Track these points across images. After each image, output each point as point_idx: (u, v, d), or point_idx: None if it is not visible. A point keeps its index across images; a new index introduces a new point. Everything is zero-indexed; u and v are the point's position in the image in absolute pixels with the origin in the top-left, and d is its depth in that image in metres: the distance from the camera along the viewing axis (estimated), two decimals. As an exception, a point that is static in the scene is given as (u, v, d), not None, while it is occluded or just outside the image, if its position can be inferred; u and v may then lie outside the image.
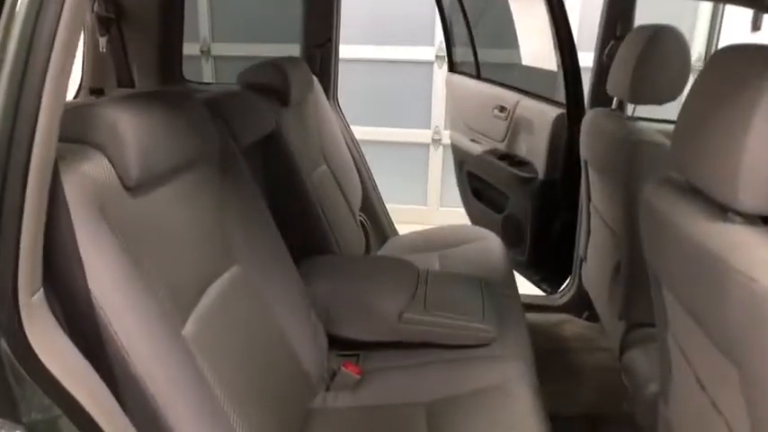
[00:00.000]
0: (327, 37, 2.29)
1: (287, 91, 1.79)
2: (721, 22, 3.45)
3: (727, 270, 0.72)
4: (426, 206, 4.26)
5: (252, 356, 1.13)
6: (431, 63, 3.99)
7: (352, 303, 1.49)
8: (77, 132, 0.88)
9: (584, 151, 1.77)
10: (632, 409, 1.42)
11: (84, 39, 1.89)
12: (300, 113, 1.93)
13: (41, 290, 0.74)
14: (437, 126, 4.11)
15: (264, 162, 1.74)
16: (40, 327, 0.72)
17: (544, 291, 2.38)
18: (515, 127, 2.28)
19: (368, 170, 2.42)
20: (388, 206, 2.47)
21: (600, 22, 2.04)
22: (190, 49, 3.61)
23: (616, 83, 1.54)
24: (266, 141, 1.70)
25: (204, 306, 1.04)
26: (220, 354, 1.03)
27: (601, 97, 1.92)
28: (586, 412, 1.80)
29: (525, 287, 2.22)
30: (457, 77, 2.69)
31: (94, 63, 1.92)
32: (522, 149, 2.27)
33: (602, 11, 2.03)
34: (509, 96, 2.33)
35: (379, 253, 2.23)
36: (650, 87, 1.45)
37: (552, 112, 2.08)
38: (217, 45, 4.17)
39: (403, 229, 2.50)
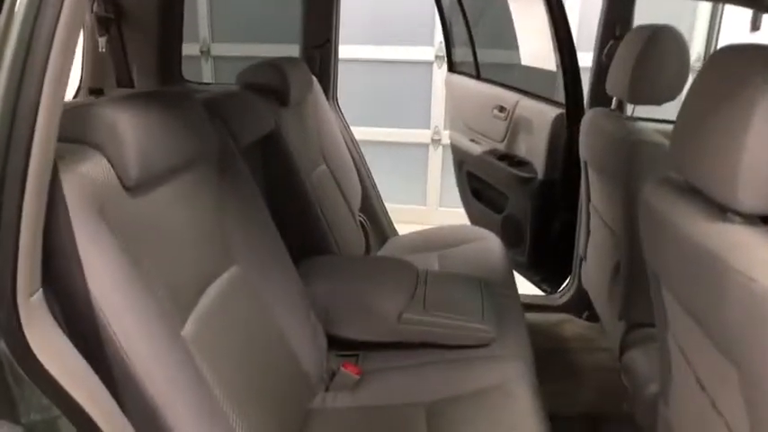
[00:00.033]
0: (327, 37, 2.29)
1: (286, 91, 1.79)
2: (720, 22, 3.45)
3: (727, 270, 0.72)
4: (426, 206, 4.26)
5: (251, 357, 1.13)
6: (430, 63, 4.00)
7: (351, 303, 1.49)
8: (76, 132, 0.88)
9: (584, 151, 1.77)
10: (632, 409, 1.42)
11: (84, 39, 1.89)
12: (300, 113, 1.93)
13: (40, 290, 0.74)
14: (437, 126, 4.11)
15: (264, 162, 1.74)
16: (38, 327, 0.72)
17: (544, 291, 2.38)
18: (515, 127, 2.28)
19: (367, 170, 2.42)
20: (387, 206, 2.47)
21: (599, 22, 2.04)
22: (189, 49, 3.61)
23: (615, 83, 1.55)
24: (265, 141, 1.70)
25: (203, 306, 1.04)
26: (219, 354, 1.03)
27: (600, 97, 1.92)
28: (586, 412, 1.80)
29: (525, 287, 2.22)
30: (456, 77, 2.69)
31: (94, 63, 1.92)
32: (522, 149, 2.27)
33: (602, 11, 2.03)
34: (508, 96, 2.33)
35: (379, 253, 2.23)
36: (649, 87, 1.45)
37: (551, 112, 2.08)
38: (216, 45, 4.17)
39: (402, 229, 2.50)
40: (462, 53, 2.68)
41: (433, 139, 4.14)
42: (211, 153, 1.19)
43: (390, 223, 2.46)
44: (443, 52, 2.91)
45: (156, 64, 1.95)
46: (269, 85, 1.78)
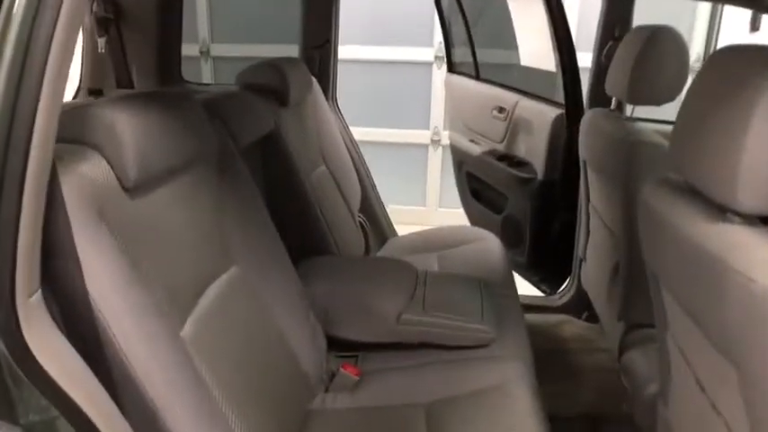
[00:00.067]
0: (326, 38, 2.29)
1: (285, 91, 1.79)
2: (720, 22, 3.45)
3: (726, 270, 0.72)
4: (425, 207, 4.26)
5: (250, 357, 1.13)
6: (430, 64, 4.00)
7: (350, 304, 1.49)
8: (75, 133, 0.88)
9: (583, 152, 1.77)
10: (631, 409, 1.42)
11: (83, 39, 1.89)
12: (299, 114, 1.93)
13: (39, 291, 0.74)
14: (436, 127, 4.11)
15: (263, 163, 1.74)
16: (37, 328, 0.72)
17: (543, 291, 2.38)
18: (514, 127, 2.28)
19: (367, 171, 2.42)
20: (387, 207, 2.47)
21: (598, 23, 2.05)
22: (189, 49, 3.61)
23: (614, 83, 1.55)
24: (265, 142, 1.70)
25: (203, 307, 1.04)
26: (219, 355, 1.02)
27: (599, 98, 1.92)
28: (586, 413, 1.80)
29: (524, 288, 2.22)
30: (456, 78, 2.69)
31: (93, 64, 1.92)
32: (521, 150, 2.27)
33: (601, 11, 2.03)
34: (508, 97, 2.33)
35: (379, 254, 2.23)
36: (648, 88, 1.45)
37: (551, 112, 2.08)
38: (216, 46, 4.17)
39: (402, 229, 2.50)
40: (462, 53, 2.68)
41: (432, 140, 4.14)
42: (211, 154, 1.19)
43: (390, 224, 2.46)
44: (443, 53, 2.91)
45: (155, 65, 1.95)
46: (268, 86, 1.78)
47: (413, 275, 1.61)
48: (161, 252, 0.98)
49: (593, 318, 2.04)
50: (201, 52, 4.17)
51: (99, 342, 0.79)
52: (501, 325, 1.48)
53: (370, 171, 2.44)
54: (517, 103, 2.27)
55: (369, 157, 2.45)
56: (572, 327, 2.23)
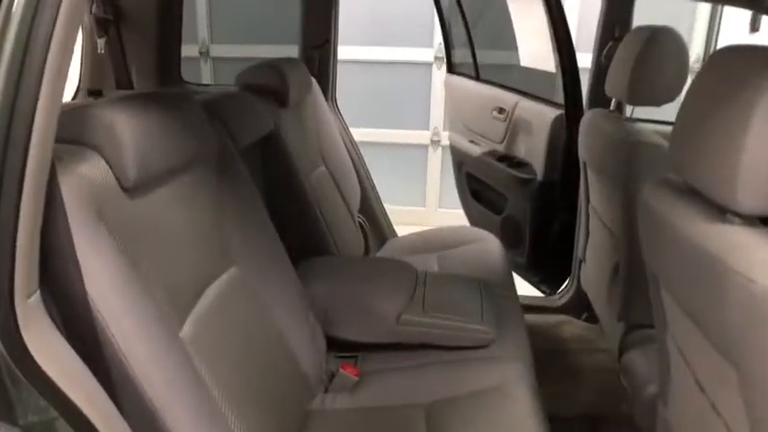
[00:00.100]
0: (326, 38, 2.29)
1: (285, 92, 1.79)
2: (720, 23, 3.45)
3: (726, 271, 0.72)
4: (425, 207, 4.26)
5: (250, 358, 1.13)
6: (429, 64, 4.00)
7: (350, 305, 1.49)
8: (74, 133, 0.88)
9: (583, 152, 1.77)
10: (631, 410, 1.42)
11: (83, 40, 1.89)
12: (299, 114, 1.93)
13: (38, 292, 0.73)
14: (436, 127, 4.11)
15: (263, 163, 1.74)
16: (36, 329, 0.72)
17: (543, 292, 2.38)
18: (514, 128, 2.28)
19: (366, 171, 2.42)
20: (386, 207, 2.47)
21: (598, 23, 2.05)
22: (188, 50, 3.61)
23: (614, 84, 1.55)
24: (264, 142, 1.70)
25: (202, 308, 1.04)
26: (218, 355, 1.02)
27: (599, 98, 1.92)
28: (585, 413, 1.80)
29: (524, 288, 2.22)
30: (456, 79, 2.69)
31: (93, 64, 1.92)
32: (521, 150, 2.27)
33: (601, 12, 2.03)
34: (508, 97, 2.33)
35: (378, 254, 2.23)
36: (648, 88, 1.45)
37: (551, 113, 2.08)
38: (215, 46, 4.17)
39: (402, 230, 2.49)
40: (461, 54, 2.68)
41: (432, 141, 4.14)
42: (210, 154, 1.19)
43: (389, 224, 2.46)
44: (443, 53, 2.91)
45: (154, 65, 1.95)
46: (268, 86, 1.78)
47: (412, 276, 1.61)
48: (160, 252, 0.98)
49: (592, 318, 2.04)
50: (201, 53, 4.17)
51: (98, 342, 0.79)
52: (501, 325, 1.48)
53: (370, 171, 2.44)
54: (517, 103, 2.27)
55: (368, 158, 2.45)
56: (572, 327, 2.23)
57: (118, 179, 0.90)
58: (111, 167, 0.89)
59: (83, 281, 0.78)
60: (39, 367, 0.70)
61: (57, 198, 0.76)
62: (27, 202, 0.67)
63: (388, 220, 2.46)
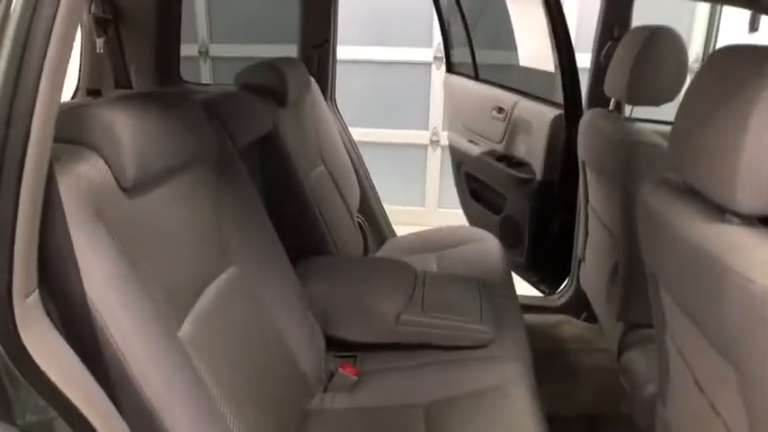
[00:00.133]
0: (325, 38, 2.29)
1: (284, 91, 1.79)
2: (719, 23, 3.45)
3: (725, 271, 0.72)
4: (424, 207, 4.26)
5: (249, 357, 1.13)
6: (429, 64, 4.00)
7: (349, 304, 1.49)
8: (73, 133, 0.88)
9: (582, 152, 1.77)
10: (630, 410, 1.42)
11: (82, 40, 1.89)
12: (298, 114, 1.92)
13: (36, 291, 0.73)
14: (435, 127, 4.11)
15: (262, 163, 1.74)
16: (34, 328, 0.71)
17: (542, 292, 2.38)
18: (513, 128, 2.28)
19: (365, 171, 2.42)
20: (385, 207, 2.47)
21: (597, 23, 2.05)
22: (187, 50, 3.60)
23: (613, 84, 1.55)
24: (263, 142, 1.70)
25: (201, 307, 1.04)
26: (217, 355, 1.02)
27: (598, 98, 1.92)
28: (584, 413, 1.80)
29: (523, 288, 2.22)
30: (455, 78, 2.69)
31: (92, 64, 1.92)
32: (520, 150, 2.27)
33: (600, 12, 2.03)
34: (507, 97, 2.33)
35: (377, 254, 2.23)
36: (647, 88, 1.45)
37: (550, 112, 2.08)
38: (214, 46, 4.17)
39: (401, 230, 2.49)
40: (461, 54, 2.68)
41: (431, 140, 4.14)
42: (209, 154, 1.19)
43: (389, 224, 2.46)
44: (442, 53, 2.91)
45: (154, 65, 1.95)
46: (267, 86, 1.78)
47: (412, 276, 1.60)
48: (159, 252, 0.97)
49: (591, 318, 2.04)
50: (200, 52, 4.16)
51: (96, 342, 0.79)
52: (500, 325, 1.48)
53: (369, 171, 2.44)
54: (516, 103, 2.27)
55: (368, 158, 2.45)
56: (571, 327, 2.23)
57: (117, 179, 0.90)
58: (109, 167, 0.89)
59: (81, 280, 0.78)
60: (37, 367, 0.70)
61: (55, 198, 0.76)
62: (25, 202, 0.67)
63: (388, 219, 2.46)
